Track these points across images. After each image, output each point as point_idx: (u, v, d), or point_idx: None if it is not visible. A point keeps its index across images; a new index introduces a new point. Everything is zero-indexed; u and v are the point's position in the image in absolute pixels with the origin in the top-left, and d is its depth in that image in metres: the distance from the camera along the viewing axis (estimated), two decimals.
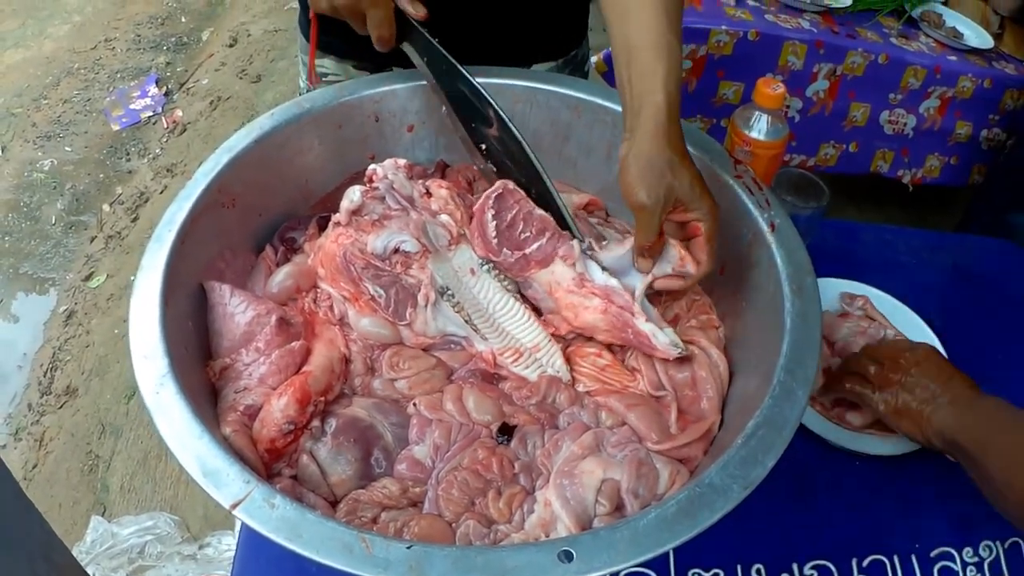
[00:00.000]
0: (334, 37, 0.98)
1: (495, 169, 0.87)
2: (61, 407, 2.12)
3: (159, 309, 0.68)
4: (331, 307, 0.81)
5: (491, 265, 0.82)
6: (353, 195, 0.79)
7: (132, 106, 3.13)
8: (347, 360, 0.78)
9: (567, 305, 0.80)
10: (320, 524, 0.55)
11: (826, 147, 2.21)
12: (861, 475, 0.94)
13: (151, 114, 3.11)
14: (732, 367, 0.80)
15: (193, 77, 3.32)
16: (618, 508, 0.68)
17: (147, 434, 2.04)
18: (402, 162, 0.83)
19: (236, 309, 0.77)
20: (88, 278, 2.47)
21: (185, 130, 3.04)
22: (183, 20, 3.68)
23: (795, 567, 0.86)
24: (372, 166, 0.82)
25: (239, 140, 0.84)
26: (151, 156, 2.93)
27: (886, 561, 0.87)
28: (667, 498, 0.60)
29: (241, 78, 3.30)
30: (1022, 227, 1.91)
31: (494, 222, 0.80)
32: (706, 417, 0.75)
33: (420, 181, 0.84)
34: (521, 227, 0.81)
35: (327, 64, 1.14)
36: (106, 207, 2.72)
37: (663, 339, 0.76)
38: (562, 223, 0.82)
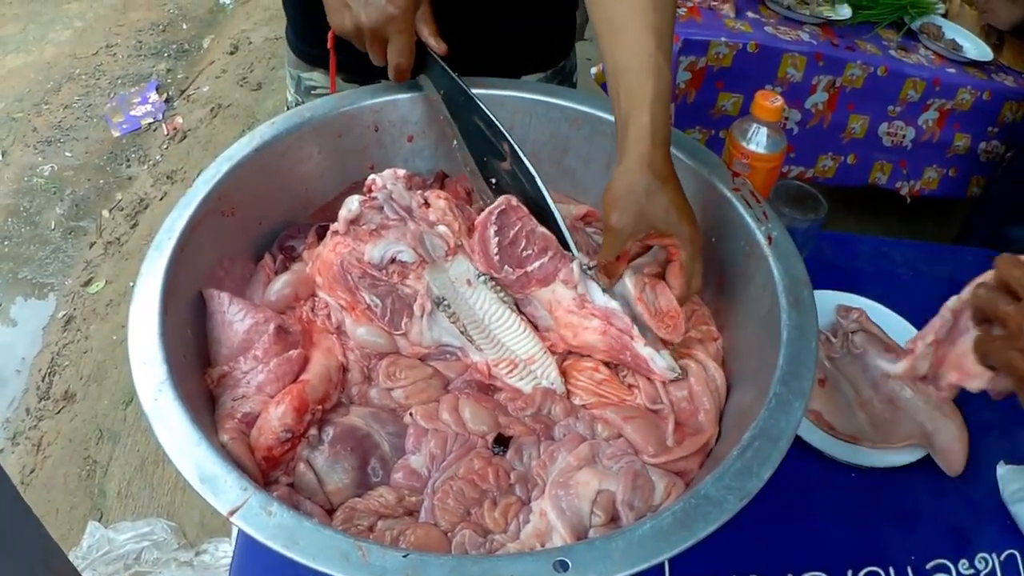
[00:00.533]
0: (326, 50, 0.99)
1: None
2: (59, 412, 2.12)
3: (158, 316, 0.69)
4: (329, 316, 0.81)
5: (487, 276, 0.82)
6: (351, 204, 0.80)
7: (133, 112, 3.14)
8: (345, 369, 0.78)
9: (566, 324, 0.80)
10: (317, 532, 0.55)
11: (824, 159, 2.21)
12: (857, 487, 0.94)
13: (151, 120, 3.12)
14: (729, 379, 0.80)
15: (194, 84, 3.33)
16: (613, 519, 0.68)
17: (145, 440, 2.04)
18: (401, 172, 0.84)
19: (235, 317, 0.77)
20: (87, 284, 2.47)
21: (185, 137, 3.04)
22: (184, 27, 3.70)
23: None
24: (371, 176, 0.82)
25: (239, 149, 0.84)
26: (151, 162, 2.93)
27: (881, 573, 0.87)
28: (663, 509, 0.60)
29: (242, 86, 3.32)
30: (1021, 240, 1.91)
31: (496, 238, 0.80)
32: (703, 430, 0.76)
33: (419, 191, 0.85)
34: (523, 244, 0.81)
35: (315, 77, 1.14)
36: (106, 213, 2.73)
37: (661, 363, 0.77)
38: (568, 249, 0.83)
